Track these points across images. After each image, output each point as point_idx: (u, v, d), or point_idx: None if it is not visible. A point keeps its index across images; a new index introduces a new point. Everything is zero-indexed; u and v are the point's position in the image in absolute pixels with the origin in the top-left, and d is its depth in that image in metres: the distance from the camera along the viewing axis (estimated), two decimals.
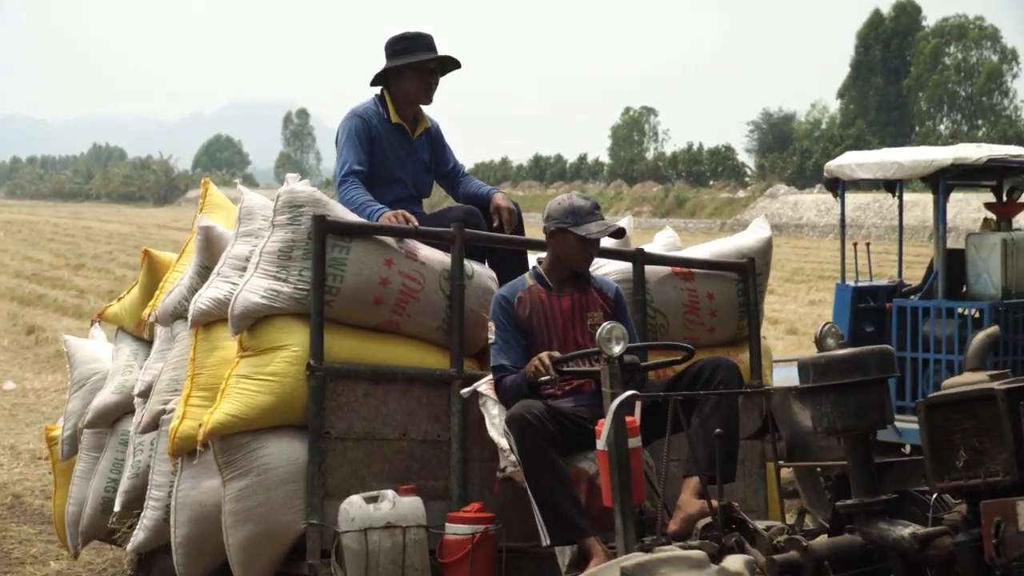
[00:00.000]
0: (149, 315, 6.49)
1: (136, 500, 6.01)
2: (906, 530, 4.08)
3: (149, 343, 6.62)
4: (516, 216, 6.05)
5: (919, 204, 31.43)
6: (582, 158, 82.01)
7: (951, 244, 10.60)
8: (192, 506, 5.44)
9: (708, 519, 4.33)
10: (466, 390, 5.41)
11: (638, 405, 4.53)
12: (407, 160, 6.11)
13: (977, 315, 9.85)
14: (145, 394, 6.09)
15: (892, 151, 10.95)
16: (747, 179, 68.16)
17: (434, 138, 6.28)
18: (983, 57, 72.88)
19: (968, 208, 26.53)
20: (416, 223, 5.59)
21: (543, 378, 4.98)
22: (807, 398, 4.19)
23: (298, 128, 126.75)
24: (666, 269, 6.05)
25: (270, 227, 5.42)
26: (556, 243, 5.35)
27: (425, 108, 6.17)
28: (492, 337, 5.33)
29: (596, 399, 5.13)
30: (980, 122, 67.77)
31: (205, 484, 5.37)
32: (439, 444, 5.46)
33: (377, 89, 6.13)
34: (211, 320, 5.69)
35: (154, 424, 5.89)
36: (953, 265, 10.13)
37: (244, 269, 5.68)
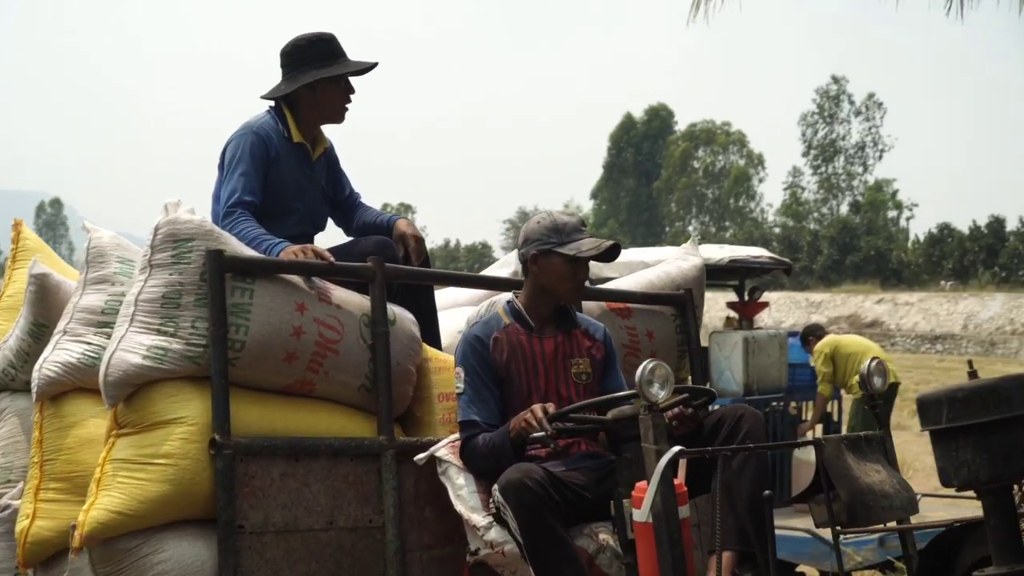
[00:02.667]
0: None
1: None
2: None
3: None
4: (423, 246, 5.07)
5: None
6: None
7: None
8: None
9: None
10: (421, 456, 4.39)
11: (682, 465, 3.64)
12: (306, 187, 5.02)
13: None
14: None
15: (639, 251, 10.71)
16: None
17: (332, 161, 5.22)
18: (730, 161, 75.95)
19: (715, 307, 26.90)
20: (331, 257, 4.52)
21: (536, 434, 4.02)
22: (936, 443, 3.42)
23: (51, 218, 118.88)
24: (599, 304, 5.19)
25: (145, 268, 4.24)
26: (539, 269, 4.42)
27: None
28: (460, 387, 4.36)
29: (590, 461, 4.24)
30: (728, 223, 70.47)
31: None
32: (371, 532, 4.38)
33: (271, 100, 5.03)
34: (62, 391, 4.48)
35: None
36: None
37: (99, 325, 4.52)
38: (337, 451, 4.33)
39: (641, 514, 3.48)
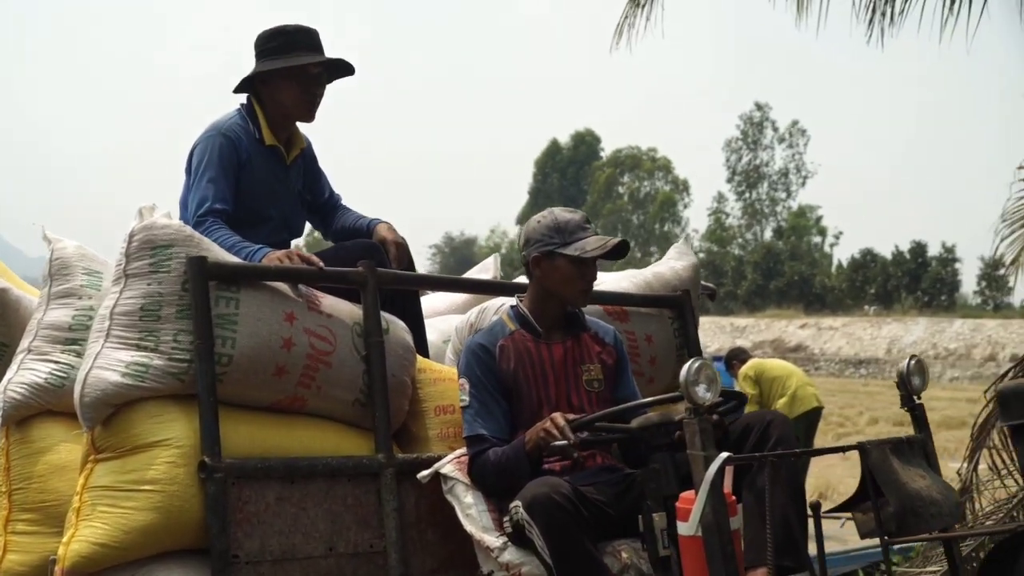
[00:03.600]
0: None
1: None
2: None
3: None
4: (407, 251, 4.75)
5: None
6: None
7: None
8: None
9: None
10: (425, 473, 4.07)
11: (729, 473, 3.36)
12: (281, 192, 4.69)
13: None
14: None
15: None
16: None
17: (309, 162, 4.89)
18: (656, 187, 76.02)
19: None
20: (320, 262, 4.20)
21: (558, 443, 3.73)
22: (1017, 439, 3.17)
23: None
24: (596, 308, 4.91)
25: (119, 279, 3.90)
26: (543, 272, 4.14)
27: (302, 125, 4.77)
28: (466, 399, 4.06)
29: (608, 475, 3.96)
30: (653, 249, 70.44)
31: None
32: (373, 557, 4.05)
33: (243, 97, 4.68)
34: (28, 414, 4.13)
35: None
36: None
37: (67, 342, 4.18)
38: (335, 471, 4.00)
39: (689, 527, 3.20)
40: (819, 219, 70.66)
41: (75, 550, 3.61)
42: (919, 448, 3.76)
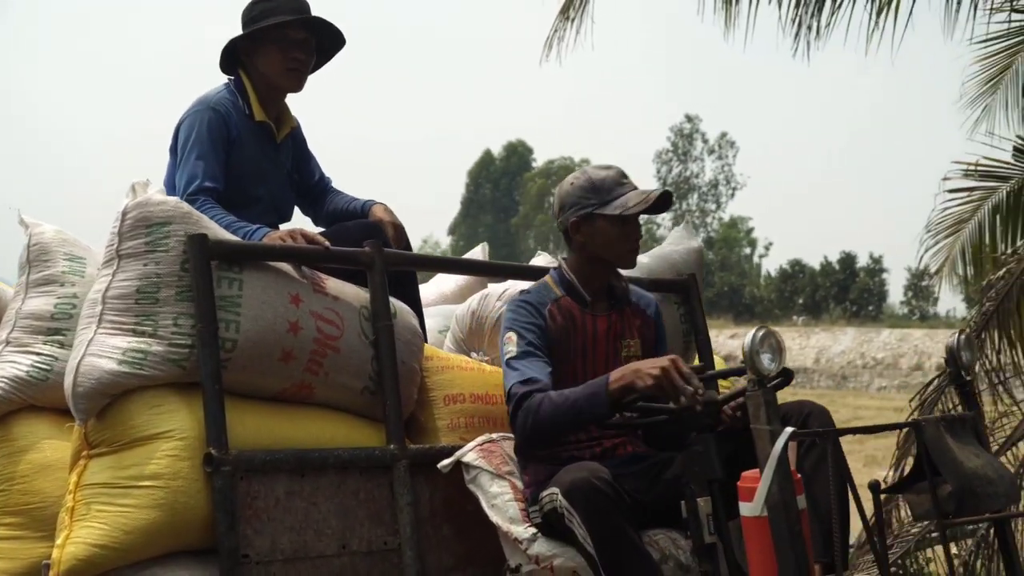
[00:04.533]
0: None
1: None
2: None
3: None
4: (404, 233, 4.49)
5: None
6: None
7: None
8: None
9: None
10: (446, 462, 3.81)
11: (792, 450, 3.13)
12: (270, 172, 4.41)
13: None
14: None
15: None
16: None
17: (298, 142, 4.61)
18: None
19: None
20: (325, 242, 3.94)
21: (685, 392, 3.34)
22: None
23: None
24: None
25: (112, 260, 3.60)
26: (584, 237, 3.86)
27: (291, 98, 4.50)
28: (513, 350, 3.72)
29: (639, 464, 3.73)
30: None
31: None
32: (387, 555, 3.79)
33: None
34: (9, 410, 3.86)
35: None
36: None
37: (49, 332, 3.90)
38: (346, 464, 3.72)
39: (753, 507, 2.97)
40: (750, 230, 71.15)
41: (71, 553, 3.31)
42: (971, 426, 3.57)
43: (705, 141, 72.29)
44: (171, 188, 4.22)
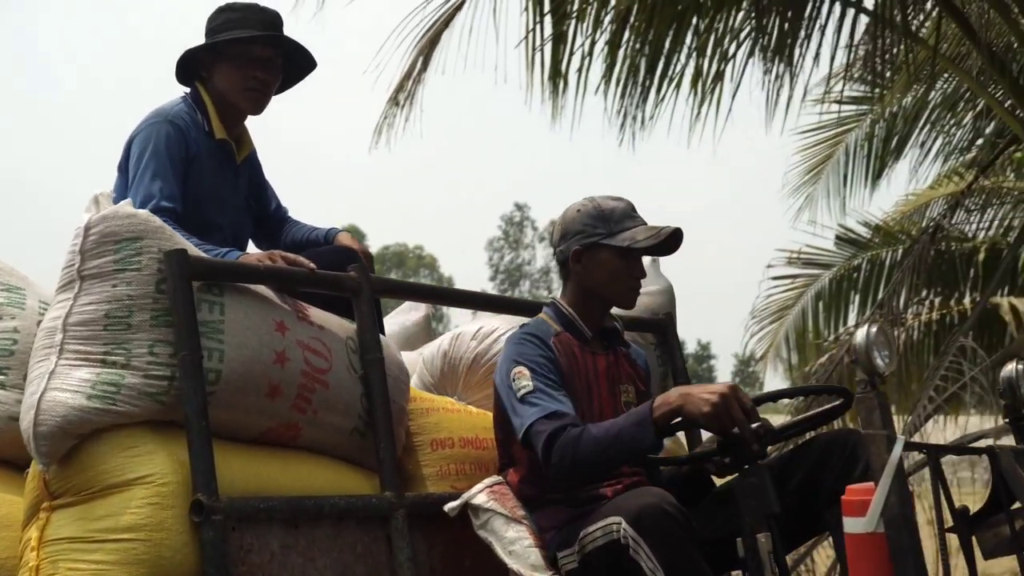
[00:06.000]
0: None
1: None
2: None
3: None
4: (372, 262, 4.07)
5: None
6: None
7: None
8: None
9: None
10: (453, 505, 3.40)
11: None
12: (229, 197, 3.96)
13: None
14: None
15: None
16: None
17: (255, 166, 4.17)
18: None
19: None
20: (310, 264, 3.51)
21: (747, 429, 3.01)
22: None
23: None
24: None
25: (71, 283, 3.12)
26: (584, 268, 3.53)
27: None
28: (528, 384, 3.31)
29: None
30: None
31: None
32: None
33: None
34: None
35: None
36: None
37: None
38: (342, 514, 3.28)
39: (866, 522, 2.62)
40: None
41: None
42: None
43: (535, 228, 72.89)
44: None
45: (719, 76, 8.02)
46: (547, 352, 3.41)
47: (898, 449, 2.58)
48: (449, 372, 4.21)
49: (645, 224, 3.54)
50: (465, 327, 4.26)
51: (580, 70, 8.06)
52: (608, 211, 3.52)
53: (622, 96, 8.20)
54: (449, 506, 3.41)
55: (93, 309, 3.07)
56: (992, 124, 10.87)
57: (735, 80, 7.96)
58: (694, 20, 7.72)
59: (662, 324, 4.58)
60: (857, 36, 7.94)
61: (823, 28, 7.53)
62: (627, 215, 3.53)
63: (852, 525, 2.67)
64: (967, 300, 11.73)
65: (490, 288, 71.75)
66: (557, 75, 8.11)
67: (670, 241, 3.52)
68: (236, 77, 3.88)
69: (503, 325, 4.20)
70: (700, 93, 8.10)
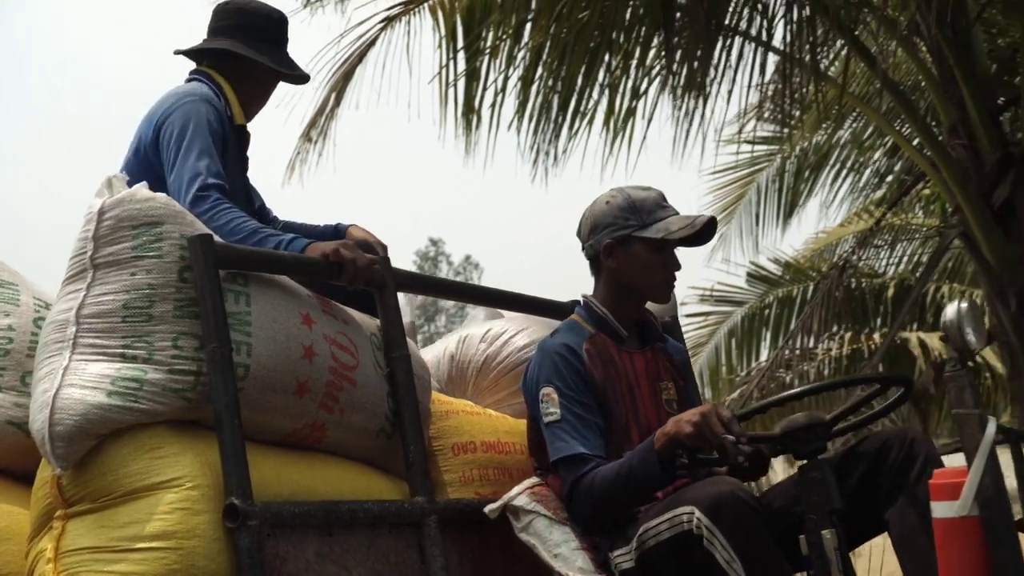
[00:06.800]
0: None
1: None
2: None
3: None
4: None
5: None
6: None
7: None
8: None
9: None
10: (494, 506, 3.21)
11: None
12: (243, 186, 3.72)
13: None
14: None
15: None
16: None
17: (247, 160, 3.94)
18: None
19: None
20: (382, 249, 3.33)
21: (725, 438, 2.90)
22: None
23: None
24: None
25: (83, 272, 2.88)
26: (617, 263, 3.37)
27: None
28: (556, 412, 3.19)
29: None
30: None
31: None
32: None
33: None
34: None
35: None
36: None
37: None
38: (375, 520, 3.05)
39: (959, 506, 2.47)
40: None
41: None
42: None
43: (450, 263, 72.67)
44: (166, 190, 3.45)
45: (631, 113, 8.11)
46: (576, 364, 3.26)
47: (991, 429, 2.44)
48: (457, 376, 4.00)
49: (677, 213, 3.39)
50: (472, 329, 4.07)
51: (493, 106, 8.12)
52: (639, 201, 3.37)
53: (535, 132, 8.24)
54: (490, 507, 3.22)
55: (110, 300, 2.83)
56: (900, 162, 11.14)
57: (646, 117, 8.06)
58: (607, 57, 7.79)
59: (670, 328, 4.40)
60: (768, 75, 8.07)
61: (734, 67, 7.65)
62: (659, 205, 3.38)
63: (942, 510, 2.52)
64: (876, 335, 11.94)
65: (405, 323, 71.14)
66: (470, 111, 8.17)
67: (704, 231, 3.38)
68: (267, 92, 3.76)
69: (512, 327, 4.01)
70: (613, 129, 8.18)
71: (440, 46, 8.03)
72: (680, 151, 8.15)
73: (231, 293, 2.92)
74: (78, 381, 2.75)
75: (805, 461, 3.04)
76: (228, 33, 3.67)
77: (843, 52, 8.43)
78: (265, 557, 2.74)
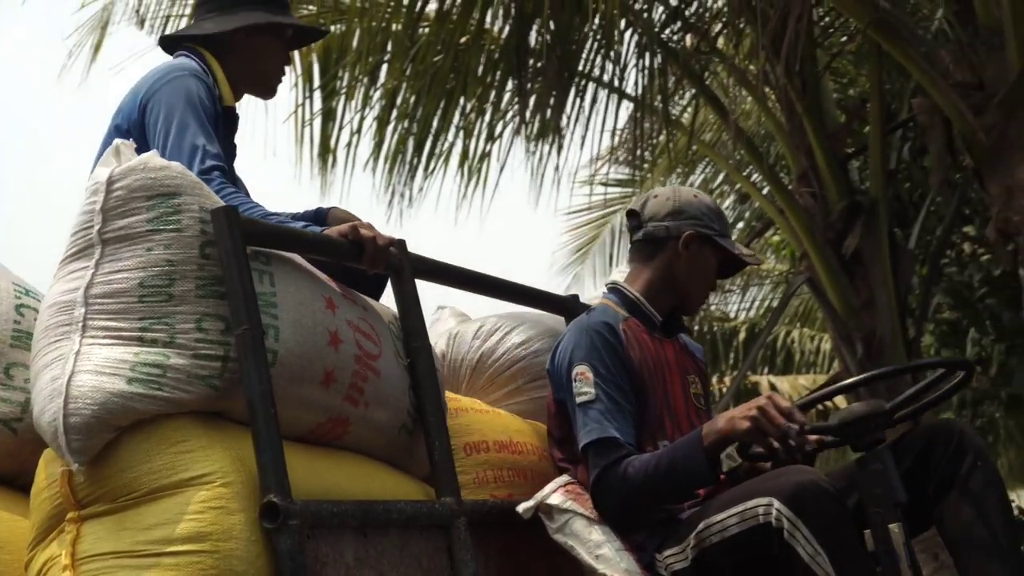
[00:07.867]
0: None
1: None
2: None
3: None
4: None
5: None
6: None
7: None
8: None
9: None
10: (526, 505, 2.98)
11: None
12: (230, 172, 3.42)
13: None
14: None
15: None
16: None
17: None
18: None
19: None
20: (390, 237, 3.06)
21: (787, 429, 2.74)
22: None
23: None
24: None
25: (91, 248, 2.58)
26: (689, 255, 3.24)
27: None
28: (590, 392, 3.01)
29: None
30: None
31: None
32: None
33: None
34: None
35: None
36: None
37: None
38: (408, 521, 2.80)
39: None
40: None
41: None
42: None
43: None
44: None
45: (486, 155, 8.24)
46: (617, 346, 3.10)
47: None
48: (450, 376, 3.75)
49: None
50: (462, 326, 3.83)
51: (349, 146, 8.24)
52: (719, 211, 3.33)
53: (390, 172, 8.34)
54: (523, 507, 3.01)
55: (123, 277, 2.53)
56: (750, 209, 11.39)
57: (500, 160, 8.19)
58: (461, 100, 7.91)
59: None
60: (621, 121, 8.31)
61: (587, 112, 7.84)
62: (727, 224, 3.35)
63: None
64: (727, 378, 12.12)
65: None
66: (326, 151, 8.27)
67: (740, 265, 3.38)
68: (278, 61, 3.44)
69: (505, 323, 3.79)
70: (467, 172, 8.31)
71: (296, 85, 8.13)
72: (536, 193, 8.35)
73: (255, 272, 2.64)
74: (93, 367, 2.45)
75: (862, 453, 2.89)
76: (203, 12, 3.38)
77: (694, 101, 8.74)
78: (306, 560, 2.47)
